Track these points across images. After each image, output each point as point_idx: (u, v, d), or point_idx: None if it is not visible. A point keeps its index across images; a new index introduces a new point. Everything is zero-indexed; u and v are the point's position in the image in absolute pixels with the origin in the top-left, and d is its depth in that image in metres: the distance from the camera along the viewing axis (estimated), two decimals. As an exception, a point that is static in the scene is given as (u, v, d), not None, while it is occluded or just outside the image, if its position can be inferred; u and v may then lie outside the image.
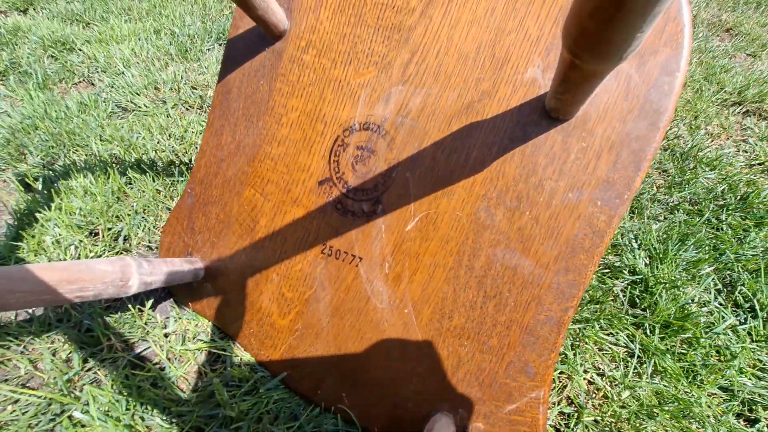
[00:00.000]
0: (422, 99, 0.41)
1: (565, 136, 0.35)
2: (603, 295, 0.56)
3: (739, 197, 0.72)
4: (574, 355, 0.52)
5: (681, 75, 0.32)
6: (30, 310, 0.56)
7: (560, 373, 0.51)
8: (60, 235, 0.63)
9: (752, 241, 0.65)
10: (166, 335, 0.53)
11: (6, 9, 1.48)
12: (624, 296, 0.58)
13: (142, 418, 0.45)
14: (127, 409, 0.45)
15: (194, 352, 0.52)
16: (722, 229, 0.67)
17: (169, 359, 0.51)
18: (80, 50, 1.16)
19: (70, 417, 0.45)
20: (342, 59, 0.45)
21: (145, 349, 0.52)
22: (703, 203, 0.71)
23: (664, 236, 0.64)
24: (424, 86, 0.41)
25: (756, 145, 0.87)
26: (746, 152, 0.86)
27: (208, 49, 1.17)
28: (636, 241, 0.64)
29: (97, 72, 1.09)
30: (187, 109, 0.94)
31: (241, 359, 0.51)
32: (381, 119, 0.43)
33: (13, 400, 0.47)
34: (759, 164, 0.83)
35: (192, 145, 0.82)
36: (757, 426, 0.47)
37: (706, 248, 0.62)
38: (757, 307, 0.55)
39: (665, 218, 0.69)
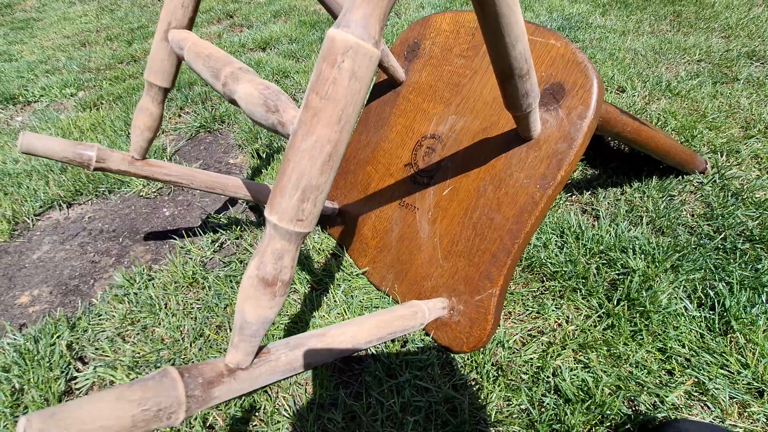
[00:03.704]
0: (462, 123, 0.74)
1: (528, 148, 0.64)
2: (585, 270, 0.78)
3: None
4: (554, 307, 0.76)
5: (588, 120, 0.57)
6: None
7: (538, 313, 0.76)
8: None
9: (762, 267, 0.75)
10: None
11: (254, 47, 2.28)
12: (606, 277, 0.78)
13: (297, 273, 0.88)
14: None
15: (326, 251, 0.94)
16: (734, 252, 0.78)
17: (313, 247, 0.94)
18: (293, 77, 1.79)
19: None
20: (428, 98, 0.81)
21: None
22: (727, 231, 0.82)
23: (667, 247, 0.80)
24: (465, 116, 0.74)
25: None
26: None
27: (368, 80, 1.67)
28: (638, 247, 0.81)
29: (299, 92, 1.68)
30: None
31: (347, 260, 0.91)
32: (441, 133, 0.78)
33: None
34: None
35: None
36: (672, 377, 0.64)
37: (700, 261, 0.76)
38: (717, 306, 0.69)
39: (680, 236, 0.83)
